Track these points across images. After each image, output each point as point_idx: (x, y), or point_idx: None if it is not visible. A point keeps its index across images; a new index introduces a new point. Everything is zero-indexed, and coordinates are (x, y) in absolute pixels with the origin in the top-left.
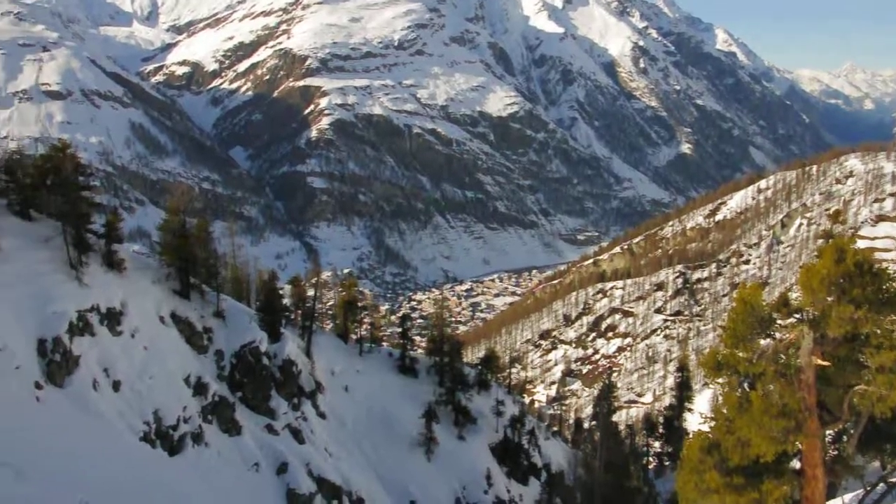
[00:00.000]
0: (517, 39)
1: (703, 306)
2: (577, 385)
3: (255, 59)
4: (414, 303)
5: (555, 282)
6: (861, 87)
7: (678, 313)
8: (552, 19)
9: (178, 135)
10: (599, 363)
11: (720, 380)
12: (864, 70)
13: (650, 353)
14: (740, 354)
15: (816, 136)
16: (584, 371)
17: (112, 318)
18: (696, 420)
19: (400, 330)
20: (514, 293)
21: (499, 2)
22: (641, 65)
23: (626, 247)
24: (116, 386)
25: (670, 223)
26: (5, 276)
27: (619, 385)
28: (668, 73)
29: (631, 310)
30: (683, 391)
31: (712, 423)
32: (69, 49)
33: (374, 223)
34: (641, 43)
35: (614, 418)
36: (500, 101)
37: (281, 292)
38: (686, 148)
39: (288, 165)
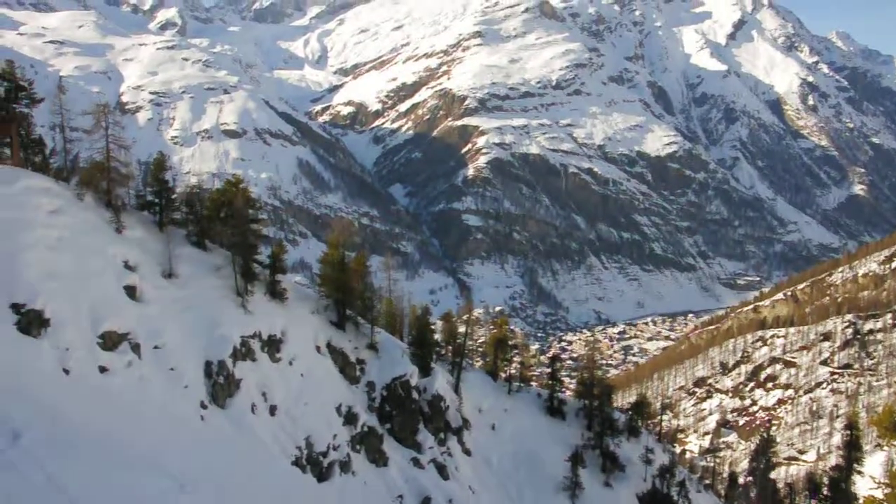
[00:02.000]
0: (677, 78)
1: (875, 360)
2: (732, 437)
3: (415, 99)
4: (564, 343)
5: (711, 327)
6: None
7: (847, 366)
8: (714, 56)
9: (341, 172)
10: (757, 415)
11: None
12: None
13: (814, 408)
14: None
15: None
16: (741, 423)
17: (272, 345)
18: (868, 484)
19: (549, 370)
20: (668, 337)
21: (659, 40)
22: (810, 102)
23: (789, 293)
24: (273, 410)
25: (840, 269)
26: (180, 301)
27: (778, 440)
28: (841, 110)
29: (793, 360)
30: (852, 451)
31: (887, 491)
32: (246, 92)
33: (527, 262)
34: (811, 79)
35: (773, 475)
36: (659, 141)
37: (433, 327)
38: (859, 189)
39: (444, 203)
